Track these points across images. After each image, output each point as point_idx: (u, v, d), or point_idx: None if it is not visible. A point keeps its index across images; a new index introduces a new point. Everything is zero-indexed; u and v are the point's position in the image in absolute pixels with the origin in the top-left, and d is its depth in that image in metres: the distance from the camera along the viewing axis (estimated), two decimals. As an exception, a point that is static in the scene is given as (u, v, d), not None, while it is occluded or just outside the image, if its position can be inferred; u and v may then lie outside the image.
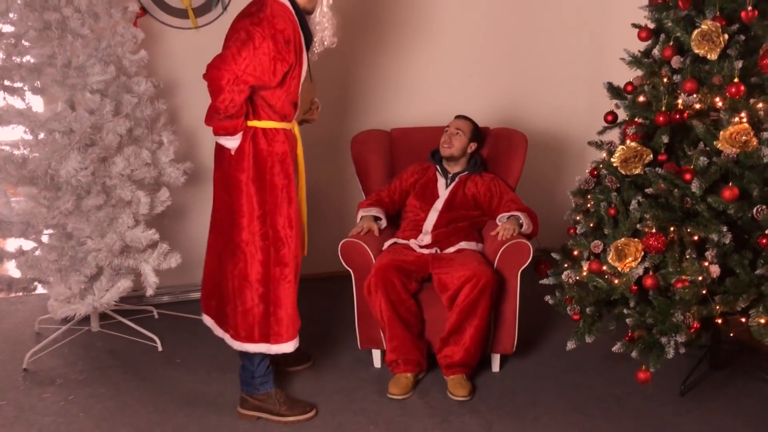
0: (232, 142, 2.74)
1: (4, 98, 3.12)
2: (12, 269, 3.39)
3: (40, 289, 3.43)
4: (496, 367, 3.22)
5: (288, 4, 2.73)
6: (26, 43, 3.09)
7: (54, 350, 3.42)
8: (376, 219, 3.36)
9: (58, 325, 3.57)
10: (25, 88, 3.15)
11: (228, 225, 2.80)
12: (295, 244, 2.82)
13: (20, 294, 3.43)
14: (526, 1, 4.42)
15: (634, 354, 2.67)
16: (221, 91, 2.58)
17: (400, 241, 3.30)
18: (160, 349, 3.45)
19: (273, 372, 2.92)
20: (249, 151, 2.74)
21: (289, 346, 2.83)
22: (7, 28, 3.08)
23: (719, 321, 2.59)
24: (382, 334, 3.10)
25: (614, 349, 2.73)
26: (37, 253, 3.27)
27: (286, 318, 2.81)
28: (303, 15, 2.80)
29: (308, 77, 2.93)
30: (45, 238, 3.30)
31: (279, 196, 2.77)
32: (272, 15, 2.64)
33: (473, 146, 3.47)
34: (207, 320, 3.00)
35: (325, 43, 2.88)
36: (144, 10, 3.77)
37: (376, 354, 3.26)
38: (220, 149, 2.82)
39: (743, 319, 2.52)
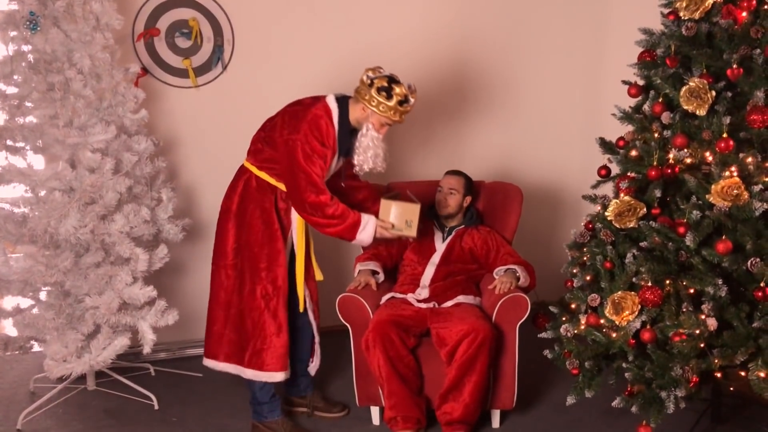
0: (366, 233, 3.02)
1: (6, 158, 3.15)
2: (9, 327, 3.37)
3: (36, 347, 3.41)
4: (496, 423, 3.18)
5: (334, 109, 2.95)
6: (29, 104, 3.14)
7: (49, 410, 3.37)
8: (374, 273, 3.37)
9: (54, 383, 3.53)
10: (27, 147, 3.19)
11: (215, 251, 3.09)
12: (266, 283, 2.99)
13: (16, 352, 3.40)
14: (520, 58, 4.53)
15: (634, 409, 2.64)
16: (326, 206, 2.89)
17: (398, 295, 3.30)
18: (156, 407, 3.40)
19: (280, 401, 3.13)
20: (240, 188, 3.02)
21: (263, 375, 2.99)
22: (11, 90, 3.14)
23: (719, 375, 2.57)
24: (380, 390, 3.07)
25: (614, 404, 2.69)
26: (35, 311, 3.26)
27: (260, 350, 2.98)
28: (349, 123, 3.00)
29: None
30: (43, 296, 3.30)
31: (257, 234, 2.98)
32: (314, 118, 2.89)
33: (468, 200, 3.51)
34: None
35: (370, 166, 3.02)
36: (145, 70, 3.85)
37: (375, 411, 3.23)
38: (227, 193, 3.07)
39: (743, 373, 2.51)
